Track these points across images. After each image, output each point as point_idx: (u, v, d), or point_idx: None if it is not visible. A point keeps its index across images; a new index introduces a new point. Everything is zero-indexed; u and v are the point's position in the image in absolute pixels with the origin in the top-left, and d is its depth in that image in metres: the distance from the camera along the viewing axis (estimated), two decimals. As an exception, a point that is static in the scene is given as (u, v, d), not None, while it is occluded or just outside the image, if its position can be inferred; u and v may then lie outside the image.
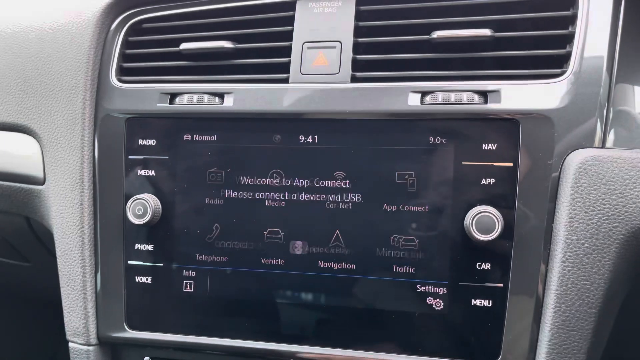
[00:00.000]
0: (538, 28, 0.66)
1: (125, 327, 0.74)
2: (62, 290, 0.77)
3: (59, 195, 0.77)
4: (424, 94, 0.67)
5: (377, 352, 0.67)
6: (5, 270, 1.11)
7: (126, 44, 0.79)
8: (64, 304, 0.77)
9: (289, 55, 0.72)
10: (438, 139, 0.66)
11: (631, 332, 0.77)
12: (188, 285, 0.72)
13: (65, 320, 0.77)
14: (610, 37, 0.64)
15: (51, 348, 1.51)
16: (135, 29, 0.80)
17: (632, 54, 0.66)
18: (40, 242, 0.94)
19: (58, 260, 0.77)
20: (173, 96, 0.74)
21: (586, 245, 0.60)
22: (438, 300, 0.65)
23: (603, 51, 0.64)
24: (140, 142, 0.74)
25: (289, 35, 0.73)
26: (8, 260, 1.06)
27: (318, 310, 0.69)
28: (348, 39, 0.71)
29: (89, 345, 0.76)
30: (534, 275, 0.62)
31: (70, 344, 0.77)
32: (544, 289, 0.62)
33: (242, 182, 0.71)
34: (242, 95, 0.72)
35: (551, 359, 0.61)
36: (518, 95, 0.64)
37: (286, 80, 0.72)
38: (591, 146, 0.62)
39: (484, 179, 0.64)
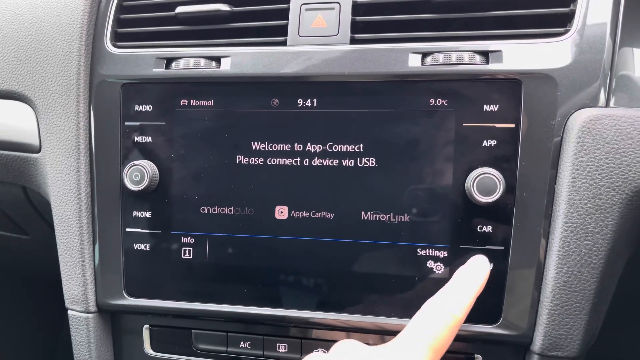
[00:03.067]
0: (541, -14, 0.65)
1: (124, 294, 0.74)
2: (60, 258, 0.76)
3: (55, 162, 0.76)
4: (424, 55, 0.66)
5: (377, 317, 0.67)
6: (5, 243, 1.11)
7: (120, 9, 0.78)
8: (62, 272, 0.76)
9: (287, 18, 0.71)
10: (439, 101, 0.65)
11: (635, 293, 0.77)
12: (186, 252, 0.72)
13: (64, 288, 0.77)
14: (615, -6, 0.63)
15: (58, 320, 1.52)
16: (130, -7, 0.78)
17: (636, 13, 0.65)
18: (37, 213, 0.94)
19: (55, 228, 0.76)
20: (169, 61, 0.73)
21: (589, 205, 0.59)
22: (439, 263, 0.65)
23: (607, 8, 0.63)
24: (137, 108, 0.73)
25: (286, -3, 0.71)
26: (6, 233, 1.06)
27: (318, 276, 0.68)
28: (347, 0, 0.69)
29: (88, 312, 0.76)
30: (536, 236, 0.62)
31: (69, 312, 0.77)
32: (545, 250, 0.62)
33: (240, 147, 0.70)
34: (239, 59, 0.70)
35: (552, 319, 0.61)
36: (520, 55, 0.63)
37: (284, 43, 0.70)
38: (595, 105, 0.61)
39: (485, 141, 0.63)
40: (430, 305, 0.56)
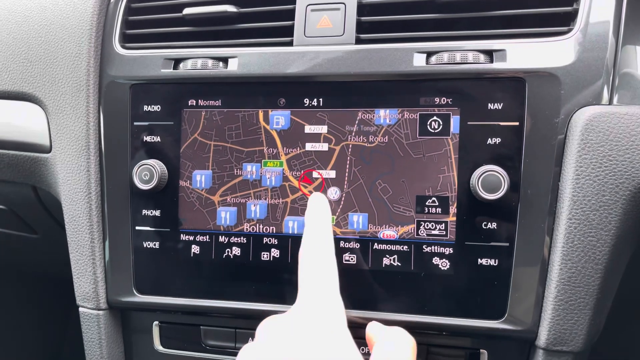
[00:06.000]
0: (544, -14, 0.66)
1: (134, 291, 0.75)
2: (71, 256, 0.77)
3: (65, 162, 0.77)
4: (429, 54, 0.67)
5: (383, 312, 0.68)
6: (14, 242, 1.12)
7: (129, 11, 0.79)
8: (73, 270, 0.78)
9: (293, 18, 0.72)
10: (444, 100, 0.66)
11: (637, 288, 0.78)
12: (195, 250, 0.73)
13: (75, 286, 0.78)
14: (618, -7, 0.64)
15: (66, 317, 1.53)
16: (138, -5, 0.79)
17: (639, 11, 0.66)
18: (47, 212, 0.95)
19: (66, 227, 0.78)
20: (177, 62, 0.74)
21: (592, 201, 0.60)
22: (444, 260, 0.66)
23: (610, 7, 0.63)
24: (145, 108, 0.74)
25: (292, -2, 0.72)
26: (16, 232, 1.07)
27: (325, 273, 0.69)
28: (352, 0, 0.70)
29: (99, 309, 0.77)
30: (540, 233, 0.63)
31: (80, 309, 0.78)
32: (550, 246, 0.62)
33: (247, 146, 0.71)
34: (246, 59, 0.71)
35: (557, 315, 0.61)
36: (524, 54, 0.64)
37: (290, 44, 0.71)
38: (598, 103, 0.62)
39: (490, 139, 0.64)
40: (306, 255, 0.60)
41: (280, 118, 0.70)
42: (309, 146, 0.69)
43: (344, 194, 0.68)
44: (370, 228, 0.67)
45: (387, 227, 0.67)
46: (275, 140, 0.70)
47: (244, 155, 0.71)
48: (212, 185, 0.72)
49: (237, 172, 0.71)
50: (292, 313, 0.56)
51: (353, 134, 0.68)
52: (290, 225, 0.70)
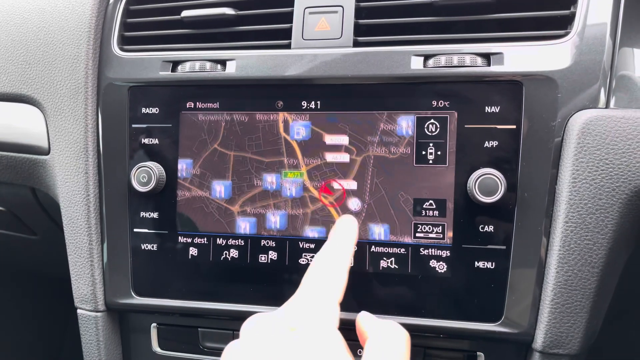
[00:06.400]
0: (541, -11, 0.66)
1: (132, 293, 0.75)
2: (69, 258, 0.78)
3: (63, 164, 0.77)
4: (426, 57, 0.67)
5: (380, 315, 0.67)
6: (14, 243, 1.12)
7: (127, 13, 0.79)
8: (71, 272, 0.78)
9: (291, 21, 0.72)
10: (441, 102, 0.66)
11: (634, 291, 0.78)
12: (193, 252, 0.73)
13: (73, 287, 0.78)
14: (615, -4, 0.64)
15: (65, 319, 1.53)
16: (136, -3, 0.80)
17: (636, 14, 0.66)
18: (46, 213, 0.95)
19: (65, 229, 0.78)
20: (175, 64, 0.74)
21: (589, 205, 0.60)
22: (441, 263, 0.66)
23: (607, 10, 0.63)
24: (143, 110, 0.74)
25: (290, 1, 0.72)
26: (16, 233, 1.08)
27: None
28: (350, 3, 0.70)
29: (97, 311, 0.77)
30: (537, 236, 0.63)
31: (78, 311, 0.78)
32: (546, 249, 0.62)
33: (245, 149, 0.71)
34: (244, 62, 0.72)
35: (553, 318, 0.62)
36: (521, 57, 0.64)
37: (288, 46, 0.71)
38: (595, 107, 0.62)
39: (487, 142, 0.64)
40: (319, 260, 0.59)
41: (301, 128, 0.70)
42: (330, 157, 0.69)
43: (365, 205, 0.68)
44: (392, 238, 0.67)
45: (384, 228, 0.67)
46: (295, 151, 0.70)
47: (242, 157, 0.71)
48: (210, 186, 0.72)
49: (235, 174, 0.71)
50: (280, 312, 0.55)
51: (374, 144, 0.67)
52: (289, 227, 0.70)
